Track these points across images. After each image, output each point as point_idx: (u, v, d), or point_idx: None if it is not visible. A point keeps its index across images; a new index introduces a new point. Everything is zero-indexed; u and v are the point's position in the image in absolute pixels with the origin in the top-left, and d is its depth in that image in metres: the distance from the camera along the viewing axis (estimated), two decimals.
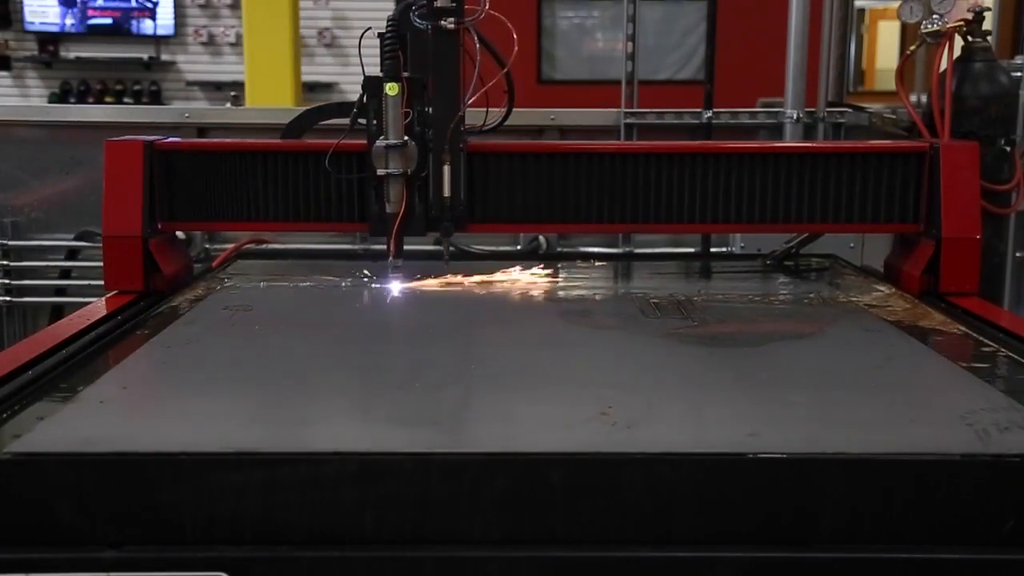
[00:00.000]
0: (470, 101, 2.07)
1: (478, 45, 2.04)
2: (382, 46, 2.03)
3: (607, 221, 2.24)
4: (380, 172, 2.07)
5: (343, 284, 2.27)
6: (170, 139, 2.26)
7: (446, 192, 2.10)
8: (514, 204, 2.23)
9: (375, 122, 2.06)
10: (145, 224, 2.14)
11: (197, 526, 1.24)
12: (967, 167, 2.21)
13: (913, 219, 2.24)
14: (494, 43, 2.09)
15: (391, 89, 2.02)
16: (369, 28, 2.08)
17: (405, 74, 2.04)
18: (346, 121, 2.12)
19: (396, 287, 2.21)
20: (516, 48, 2.06)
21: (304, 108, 2.43)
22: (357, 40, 2.07)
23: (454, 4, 2.02)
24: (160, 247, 2.18)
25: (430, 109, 2.08)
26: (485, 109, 2.14)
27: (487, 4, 2.02)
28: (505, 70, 2.09)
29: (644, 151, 2.26)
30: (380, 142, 2.06)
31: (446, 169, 2.09)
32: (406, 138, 2.06)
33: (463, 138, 2.11)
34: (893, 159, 2.23)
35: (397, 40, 2.03)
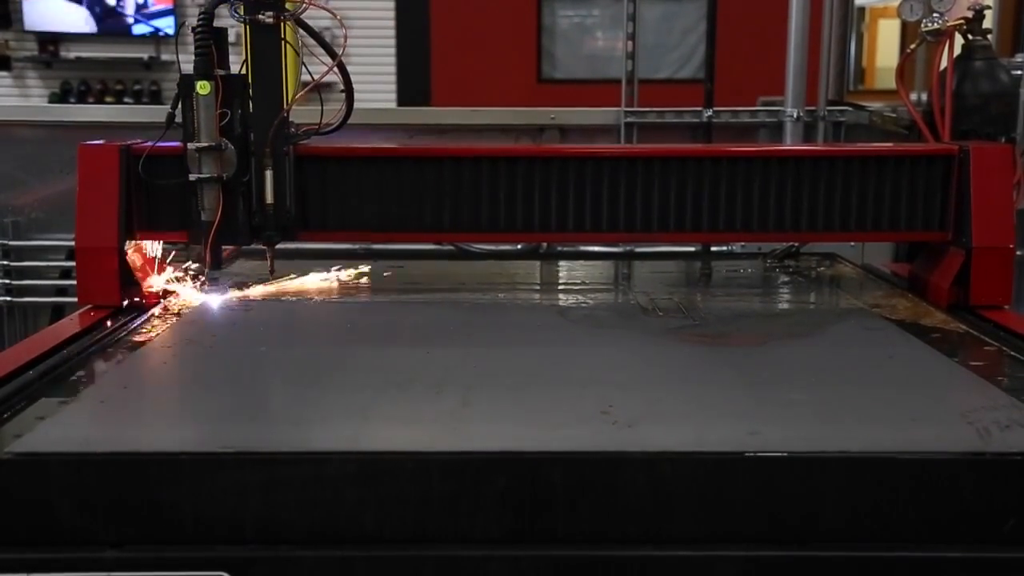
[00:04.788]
0: (295, 100, 1.95)
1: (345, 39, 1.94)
2: (194, 41, 1.91)
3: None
4: (192, 177, 1.93)
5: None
6: (149, 143, 2.11)
7: (268, 198, 1.97)
8: (351, 211, 2.08)
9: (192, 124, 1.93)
10: (121, 235, 2.01)
11: (198, 526, 1.24)
12: (999, 172, 2.09)
13: (941, 227, 2.12)
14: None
15: (202, 88, 1.90)
16: (183, 23, 1.97)
17: (220, 72, 1.91)
18: None
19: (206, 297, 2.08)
20: (345, 46, 1.93)
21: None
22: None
23: None
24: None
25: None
26: (320, 109, 1.99)
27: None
28: (335, 64, 1.95)
29: (640, 154, 2.17)
30: (192, 145, 1.92)
31: (268, 174, 1.96)
32: (224, 140, 1.93)
33: (290, 142, 1.99)
34: (920, 163, 2.11)
35: (209, 34, 1.91)
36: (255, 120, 1.96)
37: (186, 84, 1.92)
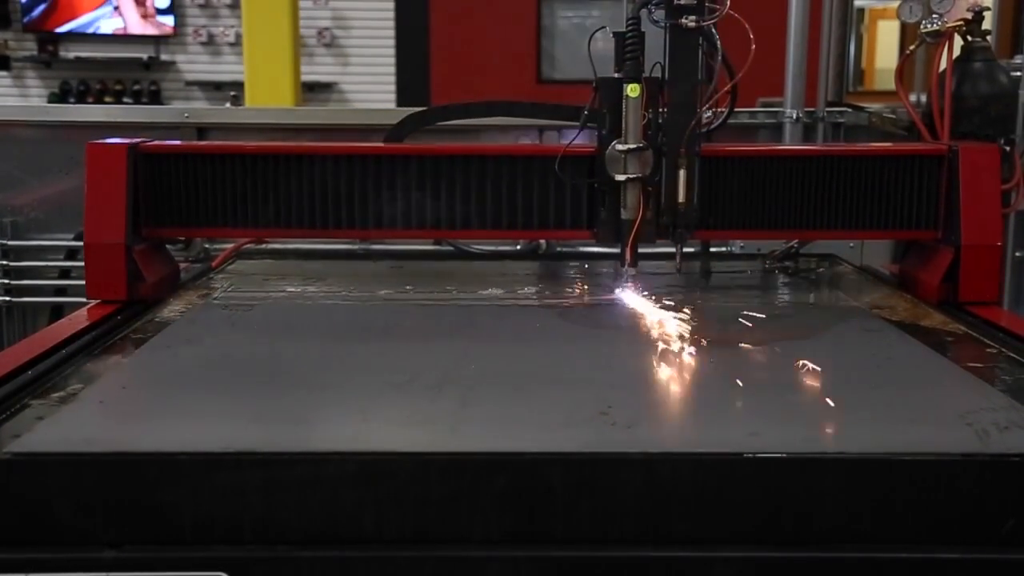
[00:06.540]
0: (709, 104, 2.02)
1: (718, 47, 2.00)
2: (622, 46, 1.97)
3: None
4: (619, 177, 2.01)
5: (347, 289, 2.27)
6: (155, 141, 2.18)
7: (681, 198, 2.03)
8: (748, 209, 2.16)
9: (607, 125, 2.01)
10: (128, 231, 2.05)
11: (197, 526, 1.24)
12: (987, 170, 2.12)
13: (930, 225, 2.15)
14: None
15: (633, 91, 1.96)
16: (604, 27, 2.03)
17: (644, 75, 1.98)
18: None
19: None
20: (754, 47, 1.98)
21: (411, 111, 2.33)
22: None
23: (696, 1, 1.95)
24: (145, 254, 2.10)
25: (663, 111, 2.03)
26: (712, 111, 2.08)
27: (728, 3, 1.97)
28: (737, 78, 2.04)
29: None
30: (619, 145, 1.99)
31: (682, 174, 2.02)
32: (645, 141, 2.00)
33: (698, 141, 2.06)
34: (909, 162, 2.14)
35: (639, 39, 1.97)
36: (671, 121, 2.02)
37: (608, 86, 2.00)
